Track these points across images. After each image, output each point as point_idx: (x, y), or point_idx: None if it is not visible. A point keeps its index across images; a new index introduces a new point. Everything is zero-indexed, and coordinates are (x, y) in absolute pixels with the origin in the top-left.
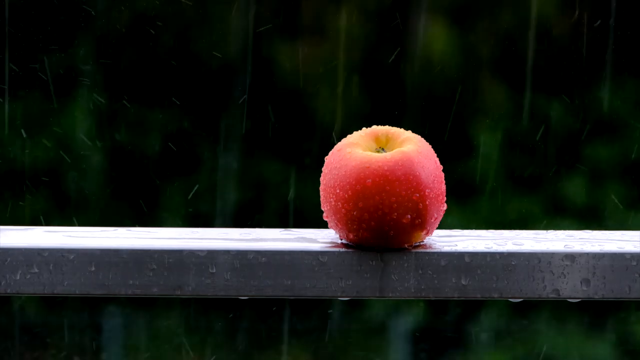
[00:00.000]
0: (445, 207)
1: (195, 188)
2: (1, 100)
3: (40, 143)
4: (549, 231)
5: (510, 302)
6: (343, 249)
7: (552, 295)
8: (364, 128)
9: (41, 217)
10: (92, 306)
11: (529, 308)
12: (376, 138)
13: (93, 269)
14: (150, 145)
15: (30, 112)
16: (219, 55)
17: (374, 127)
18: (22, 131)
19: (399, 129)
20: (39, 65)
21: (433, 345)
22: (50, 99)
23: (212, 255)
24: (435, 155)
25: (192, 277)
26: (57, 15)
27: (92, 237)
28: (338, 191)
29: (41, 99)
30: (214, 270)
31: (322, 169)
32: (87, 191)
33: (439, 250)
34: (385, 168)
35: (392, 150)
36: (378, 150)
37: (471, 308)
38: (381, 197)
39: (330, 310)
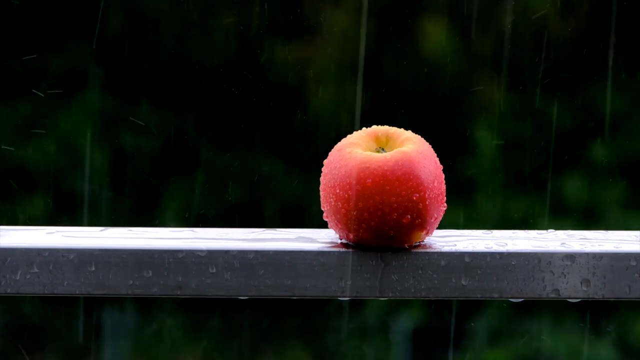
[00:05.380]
0: (445, 207)
1: (195, 188)
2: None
3: (40, 143)
4: (549, 231)
5: (510, 302)
6: (343, 249)
7: (552, 295)
8: (364, 128)
9: (41, 217)
10: (92, 306)
11: (529, 308)
12: (376, 138)
13: (93, 269)
14: (151, 145)
15: (31, 112)
16: (218, 54)
17: (374, 127)
18: (22, 131)
19: (399, 129)
20: (39, 65)
21: (433, 345)
22: (50, 98)
23: (212, 255)
24: (435, 155)
25: (192, 277)
26: (57, 15)
27: (92, 237)
28: (338, 191)
29: (42, 99)
30: (214, 270)
31: (322, 169)
32: (88, 191)
33: (439, 250)
34: (385, 168)
35: (392, 150)
36: (378, 150)
37: (471, 308)
38: (381, 197)
39: (330, 310)
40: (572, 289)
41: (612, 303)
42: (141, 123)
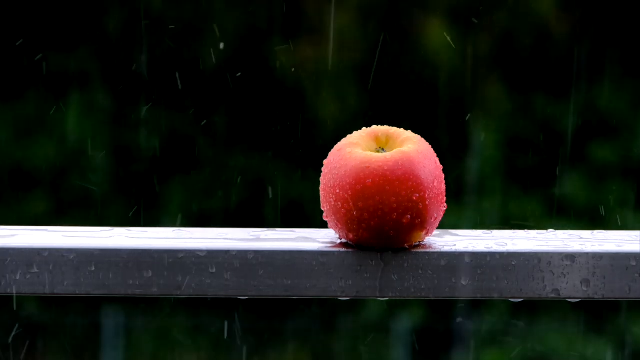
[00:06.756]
0: (445, 207)
1: (195, 188)
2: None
3: (40, 143)
4: (549, 231)
5: (510, 302)
6: (343, 249)
7: (552, 295)
8: (364, 128)
9: (41, 217)
10: (92, 306)
11: (529, 308)
12: (376, 138)
13: (93, 269)
14: (151, 144)
15: (31, 112)
16: (219, 54)
17: (374, 127)
18: (23, 131)
19: (398, 129)
20: (40, 65)
21: (433, 345)
22: (51, 99)
23: (212, 255)
24: (435, 155)
25: (192, 277)
26: (59, 15)
27: (92, 237)
28: (338, 191)
29: (42, 99)
30: (214, 270)
31: (322, 168)
32: (88, 191)
33: (439, 250)
34: (385, 168)
35: (392, 150)
36: (378, 150)
37: (471, 308)
38: (381, 197)
39: (330, 310)
40: (572, 289)
41: (612, 303)
42: (141, 123)
